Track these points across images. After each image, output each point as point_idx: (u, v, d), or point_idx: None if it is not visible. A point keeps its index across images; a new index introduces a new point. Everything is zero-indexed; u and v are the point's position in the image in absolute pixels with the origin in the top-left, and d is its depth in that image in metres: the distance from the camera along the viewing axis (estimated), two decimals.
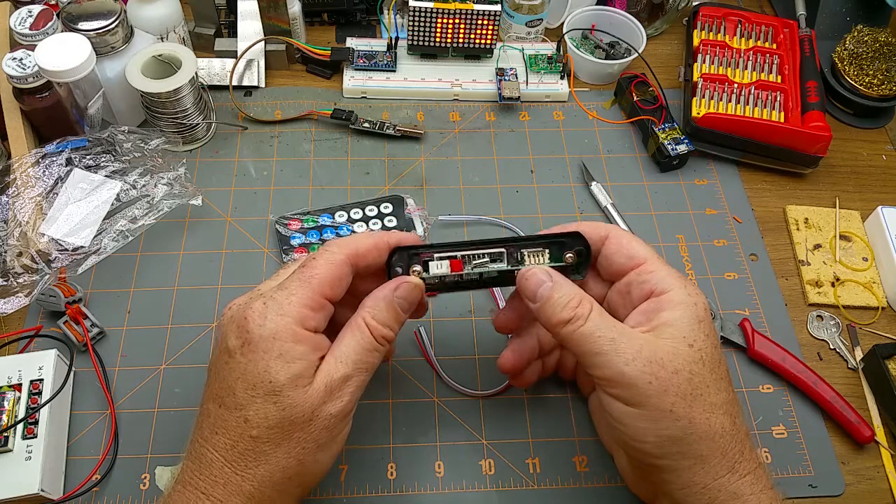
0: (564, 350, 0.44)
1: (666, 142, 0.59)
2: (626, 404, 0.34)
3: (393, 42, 0.65)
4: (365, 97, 0.64)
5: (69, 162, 0.53)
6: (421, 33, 0.63)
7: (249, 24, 0.63)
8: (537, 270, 0.37)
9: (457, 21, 0.62)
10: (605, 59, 0.66)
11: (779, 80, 0.62)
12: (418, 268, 0.38)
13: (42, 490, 0.41)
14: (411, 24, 0.62)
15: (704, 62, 0.63)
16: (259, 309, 0.34)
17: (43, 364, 0.44)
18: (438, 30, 0.63)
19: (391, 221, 0.55)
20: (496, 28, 0.63)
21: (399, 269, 0.39)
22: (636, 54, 0.65)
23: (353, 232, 0.55)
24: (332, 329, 0.36)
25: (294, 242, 0.54)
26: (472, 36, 0.63)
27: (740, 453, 0.35)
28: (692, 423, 0.34)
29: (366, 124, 0.61)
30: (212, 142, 0.60)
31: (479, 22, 0.62)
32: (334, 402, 0.34)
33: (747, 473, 0.34)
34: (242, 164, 0.59)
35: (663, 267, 0.37)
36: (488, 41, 0.64)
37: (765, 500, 0.34)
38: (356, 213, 0.56)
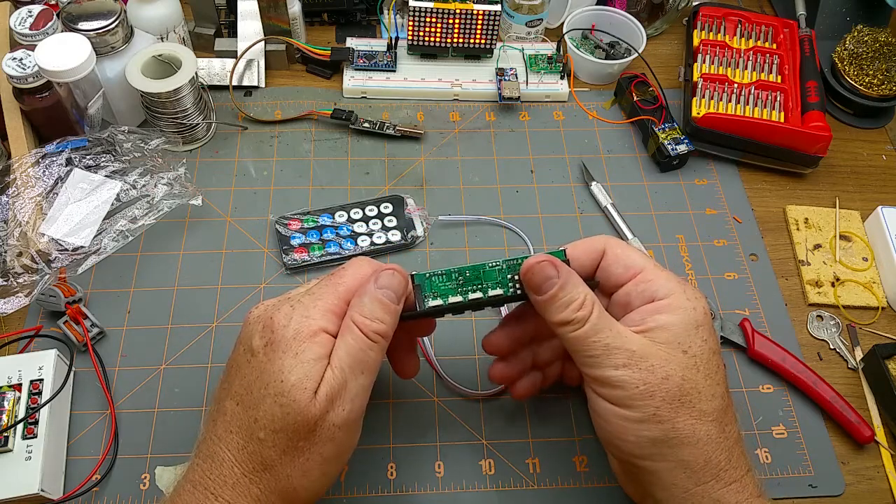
0: (567, 360, 0.44)
1: (666, 142, 0.59)
2: (612, 404, 0.35)
3: (393, 42, 0.65)
4: (365, 97, 0.64)
5: (69, 162, 0.53)
6: (421, 33, 0.63)
7: (249, 24, 0.63)
8: (546, 264, 0.36)
9: (457, 21, 0.62)
10: (605, 59, 0.66)
11: (779, 80, 0.62)
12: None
13: (42, 490, 0.41)
14: (411, 24, 0.62)
15: (704, 62, 0.63)
16: (286, 311, 0.34)
17: (43, 364, 0.44)
18: (438, 30, 0.63)
19: (391, 221, 0.55)
20: (496, 28, 0.63)
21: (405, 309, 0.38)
22: (636, 54, 0.65)
23: (353, 232, 0.55)
24: None
25: (294, 242, 0.54)
26: (472, 36, 0.63)
27: (727, 461, 0.34)
28: (675, 428, 0.34)
29: (366, 124, 0.61)
30: (212, 142, 0.60)
31: (479, 22, 0.62)
32: (336, 412, 0.33)
33: (733, 481, 0.34)
34: (242, 164, 0.59)
35: (662, 273, 0.37)
36: (488, 41, 0.64)
37: None
38: (356, 213, 0.56)
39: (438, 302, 0.38)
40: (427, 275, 0.38)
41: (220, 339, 0.49)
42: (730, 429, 0.35)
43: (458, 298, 0.38)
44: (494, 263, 0.38)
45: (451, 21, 0.62)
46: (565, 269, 0.37)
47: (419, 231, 0.55)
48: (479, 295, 0.38)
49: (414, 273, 0.38)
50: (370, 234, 0.54)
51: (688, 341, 0.35)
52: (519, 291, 0.38)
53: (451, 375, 0.48)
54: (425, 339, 0.49)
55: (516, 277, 0.38)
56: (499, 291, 0.38)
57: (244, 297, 0.51)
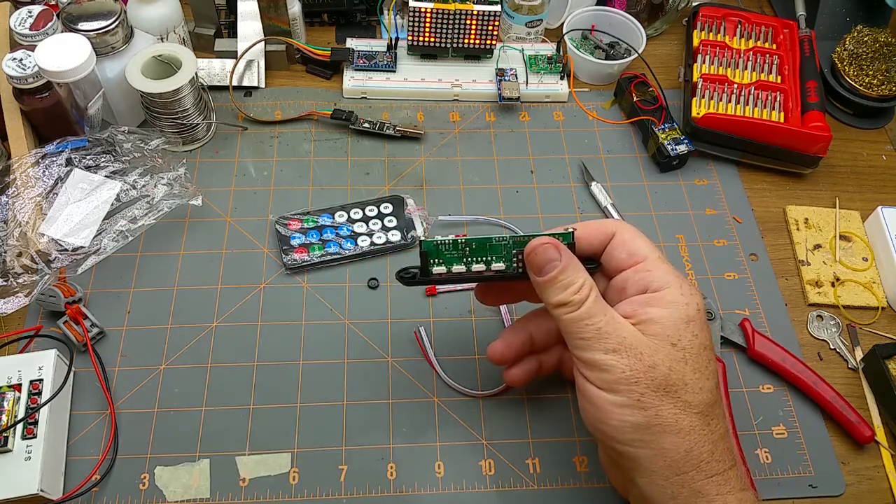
0: (566, 349, 0.44)
1: (666, 142, 0.59)
2: (598, 387, 0.35)
3: (393, 42, 0.65)
4: (365, 97, 0.64)
5: (69, 162, 0.53)
6: (421, 34, 0.63)
7: (249, 25, 0.63)
8: (549, 247, 0.37)
9: (457, 21, 0.62)
10: (605, 59, 0.66)
11: (779, 81, 0.62)
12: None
13: (41, 490, 0.41)
14: (411, 24, 0.62)
15: (704, 62, 0.63)
16: None
17: (43, 364, 0.44)
18: (438, 30, 0.63)
19: (391, 222, 0.55)
20: (496, 28, 0.63)
21: (409, 272, 0.40)
22: (636, 55, 0.65)
23: (353, 232, 0.55)
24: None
25: (294, 242, 0.54)
26: (472, 36, 0.63)
27: (710, 454, 0.35)
28: (658, 415, 0.34)
29: (366, 124, 0.61)
30: (212, 142, 0.60)
31: (479, 22, 0.62)
32: None
33: (715, 474, 0.35)
34: (242, 164, 0.59)
35: (662, 266, 0.37)
36: (488, 41, 0.64)
37: (732, 501, 0.34)
38: (356, 213, 0.56)
39: (442, 269, 0.39)
40: (435, 243, 0.39)
41: (219, 340, 0.49)
42: (715, 423, 0.35)
43: (462, 268, 0.39)
44: (501, 238, 0.39)
45: (450, 21, 0.62)
46: (567, 253, 0.37)
47: (419, 231, 0.55)
48: (482, 267, 0.39)
49: (422, 239, 0.39)
50: (370, 235, 0.54)
51: (677, 335, 0.35)
52: (521, 269, 0.39)
53: (451, 375, 0.48)
54: (425, 338, 0.50)
55: (521, 256, 0.39)
56: (501, 266, 0.39)
57: (244, 297, 0.52)
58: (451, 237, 0.39)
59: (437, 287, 0.52)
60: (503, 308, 0.52)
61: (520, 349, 0.43)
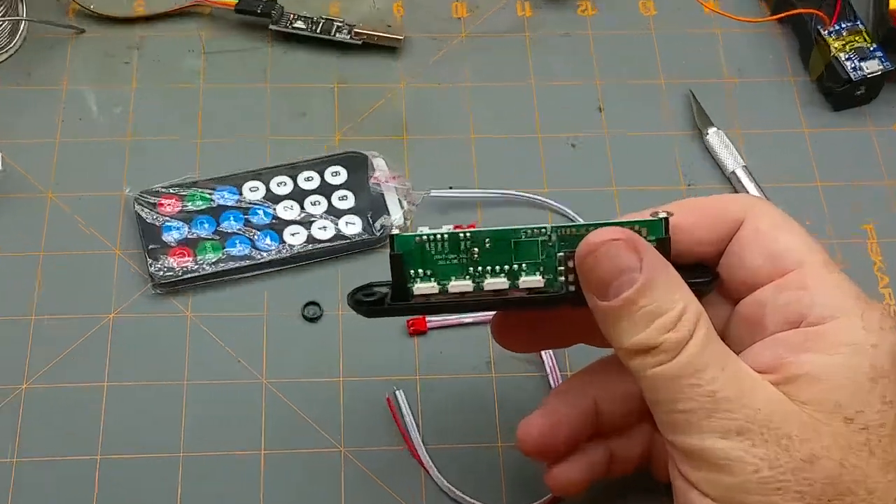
0: (657, 430, 0.44)
1: (843, 55, 0.59)
2: (712, 499, 0.36)
3: None
4: None
5: None
6: None
7: None
8: (621, 245, 0.37)
9: None
10: None
11: None
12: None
13: None
14: None
15: None
16: None
17: None
18: None
19: (345, 199, 0.56)
20: None
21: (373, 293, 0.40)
22: None
23: (277, 219, 0.55)
24: None
25: (169, 237, 0.54)
26: None
27: None
28: None
29: (299, 23, 0.61)
30: (19, 56, 0.61)
31: None
32: None
33: None
34: (76, 95, 0.60)
35: (828, 278, 0.38)
36: None
37: None
38: (281, 185, 0.56)
39: (430, 287, 0.39)
40: (417, 238, 0.39)
41: (33, 413, 0.50)
42: None
43: (466, 285, 0.39)
44: (538, 231, 0.39)
45: None
46: (653, 256, 0.37)
47: (395, 217, 0.55)
48: (502, 282, 0.39)
49: (396, 234, 0.39)
50: (307, 223, 0.55)
51: (856, 403, 0.35)
52: (573, 287, 0.39)
53: (451, 477, 0.48)
54: (405, 411, 0.50)
55: (572, 262, 0.38)
56: (537, 281, 0.39)
57: (79, 336, 0.52)
58: (446, 229, 0.38)
59: (425, 319, 0.52)
60: (546, 356, 0.52)
61: (575, 429, 0.44)
